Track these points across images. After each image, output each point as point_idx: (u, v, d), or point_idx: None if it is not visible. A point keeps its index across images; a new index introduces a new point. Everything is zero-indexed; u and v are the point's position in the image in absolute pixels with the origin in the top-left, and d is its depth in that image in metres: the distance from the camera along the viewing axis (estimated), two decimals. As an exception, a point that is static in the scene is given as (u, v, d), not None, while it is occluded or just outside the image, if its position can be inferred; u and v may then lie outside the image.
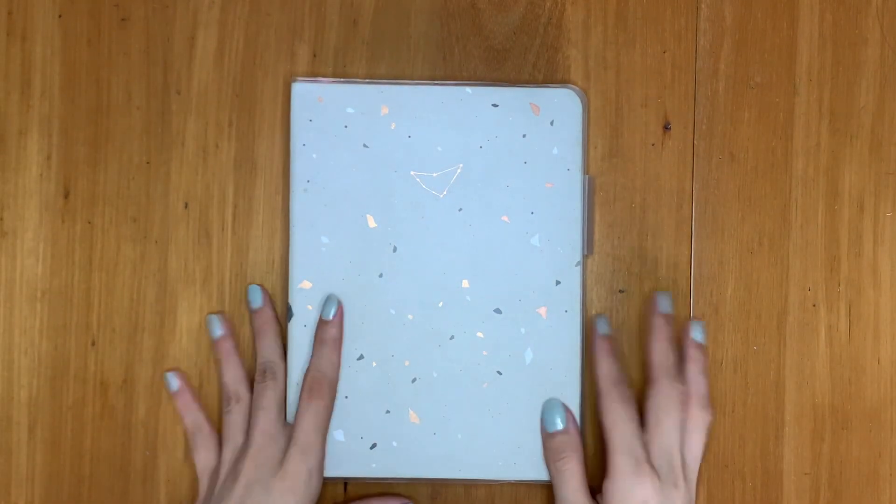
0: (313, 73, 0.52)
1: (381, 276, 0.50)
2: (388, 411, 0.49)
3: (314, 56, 0.52)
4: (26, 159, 0.51)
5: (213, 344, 0.51)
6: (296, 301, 0.50)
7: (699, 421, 0.47)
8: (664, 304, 0.49)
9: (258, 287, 0.50)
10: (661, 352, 0.48)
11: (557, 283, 0.49)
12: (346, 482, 0.51)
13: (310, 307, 0.50)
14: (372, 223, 0.50)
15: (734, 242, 0.51)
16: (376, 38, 0.52)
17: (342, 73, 0.52)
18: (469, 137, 0.50)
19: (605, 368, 0.48)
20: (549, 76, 0.51)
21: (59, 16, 0.52)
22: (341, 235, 0.50)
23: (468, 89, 0.50)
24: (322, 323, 0.49)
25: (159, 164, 0.52)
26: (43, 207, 0.51)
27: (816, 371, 0.51)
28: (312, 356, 0.49)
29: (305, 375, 0.48)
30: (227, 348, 0.50)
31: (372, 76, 0.51)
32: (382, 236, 0.50)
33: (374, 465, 0.49)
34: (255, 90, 0.52)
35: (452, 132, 0.50)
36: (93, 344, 0.51)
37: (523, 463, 0.49)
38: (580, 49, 0.51)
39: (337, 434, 0.49)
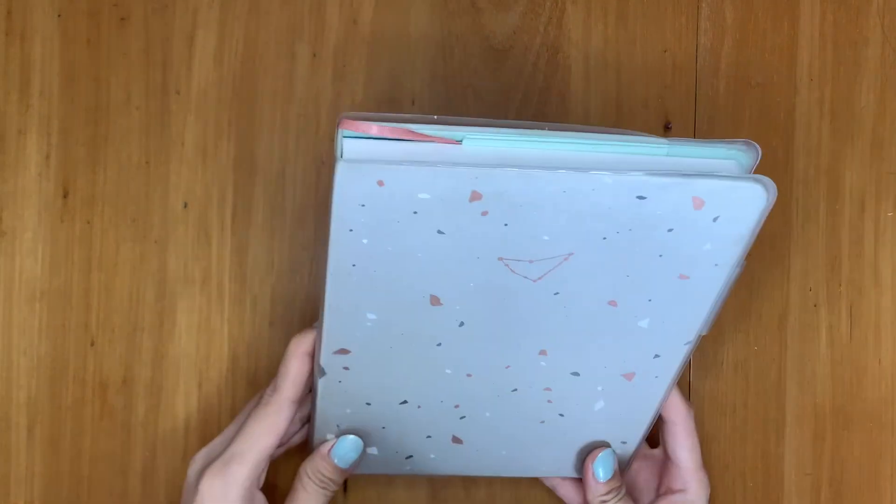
0: (313, 73, 0.51)
1: (439, 345, 0.40)
2: (429, 436, 0.44)
3: (314, 56, 0.52)
4: (25, 159, 0.51)
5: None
6: (330, 365, 0.42)
7: None
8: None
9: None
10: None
11: (656, 356, 0.41)
12: (346, 479, 0.51)
13: (346, 368, 0.41)
14: (436, 302, 0.39)
15: (735, 242, 0.51)
16: (376, 38, 0.52)
17: (342, 71, 0.51)
18: (591, 229, 0.36)
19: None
20: (549, 76, 0.51)
21: (59, 16, 0.52)
22: (393, 313, 0.39)
23: (607, 178, 0.34)
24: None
25: (158, 165, 0.51)
26: (42, 207, 0.51)
27: (817, 371, 0.51)
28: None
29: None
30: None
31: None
32: (448, 314, 0.39)
33: (407, 468, 0.46)
34: (255, 90, 0.52)
35: (569, 223, 0.36)
36: (92, 344, 0.51)
37: (555, 460, 0.47)
38: (580, 49, 0.51)
39: (371, 450, 0.45)
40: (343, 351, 0.41)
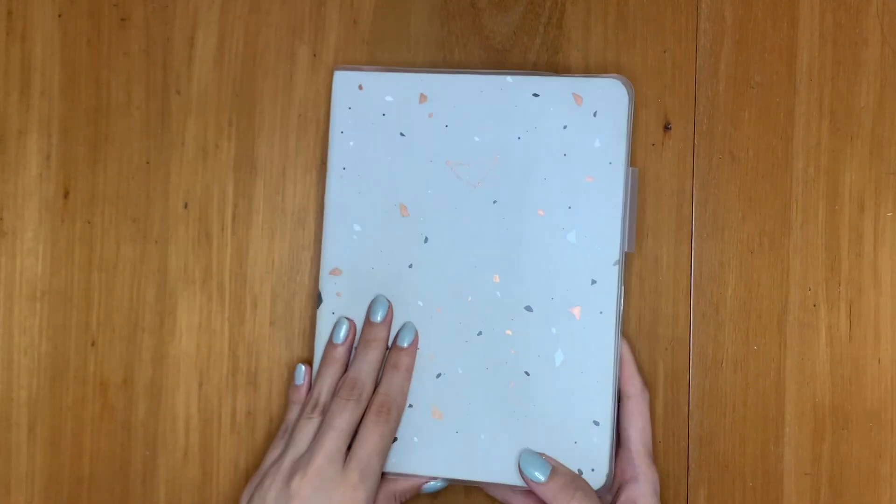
0: (313, 73, 0.52)
1: (410, 266, 0.49)
2: (410, 405, 0.48)
3: (314, 56, 0.52)
4: (26, 159, 0.51)
5: (328, 344, 0.49)
6: (325, 288, 0.49)
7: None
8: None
9: (386, 301, 0.49)
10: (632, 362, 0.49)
11: (593, 282, 0.48)
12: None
13: (339, 294, 0.49)
14: (405, 212, 0.49)
15: (734, 242, 0.51)
16: (376, 38, 0.52)
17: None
18: (507, 128, 0.48)
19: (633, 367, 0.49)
20: (549, 76, 0.51)
21: (59, 16, 0.52)
22: (373, 224, 0.49)
23: (509, 78, 0.48)
24: (397, 349, 0.48)
25: (159, 164, 0.52)
26: (42, 207, 0.51)
27: (817, 371, 0.51)
28: (384, 377, 0.48)
29: (374, 395, 0.47)
30: (338, 354, 0.49)
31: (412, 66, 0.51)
32: (414, 226, 0.49)
33: (393, 460, 0.48)
34: (255, 90, 0.52)
35: (490, 122, 0.48)
36: (92, 344, 0.51)
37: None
38: (580, 49, 0.51)
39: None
40: (336, 271, 0.49)
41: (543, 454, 0.47)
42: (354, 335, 0.49)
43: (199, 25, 0.52)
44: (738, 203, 0.51)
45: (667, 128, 0.51)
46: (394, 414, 0.47)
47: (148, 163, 0.51)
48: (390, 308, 0.49)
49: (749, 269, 0.51)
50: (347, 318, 0.49)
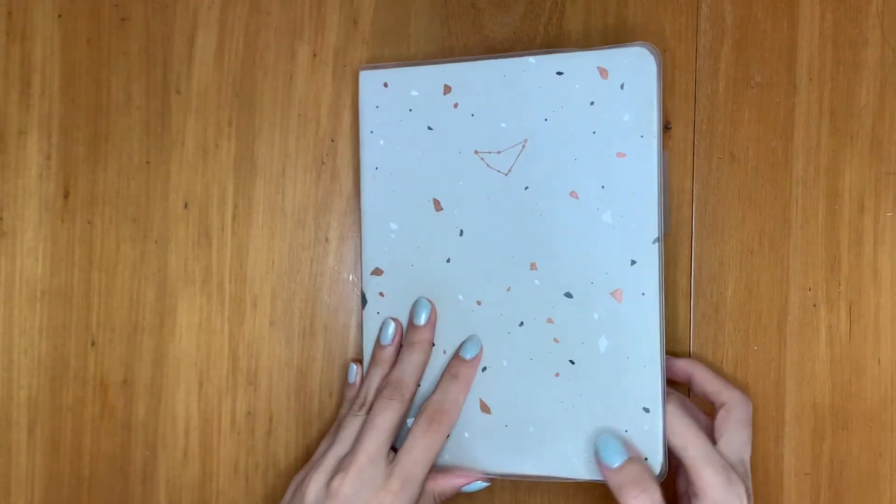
0: (313, 73, 0.52)
1: (448, 261, 0.48)
2: None
3: (314, 56, 0.52)
4: (26, 159, 0.51)
5: (376, 345, 0.49)
6: (369, 289, 0.49)
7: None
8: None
9: (428, 304, 0.48)
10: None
11: (633, 262, 0.46)
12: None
13: (382, 294, 0.49)
14: (438, 207, 0.48)
15: (734, 242, 0.51)
16: (376, 38, 0.52)
17: (342, 71, 0.52)
18: (533, 110, 0.47)
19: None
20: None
21: (59, 16, 0.52)
22: (409, 221, 0.49)
23: (531, 59, 0.47)
24: (459, 359, 0.48)
25: (159, 164, 0.52)
26: (42, 207, 0.51)
27: (817, 371, 0.51)
28: (440, 385, 0.47)
29: (427, 403, 0.47)
30: (386, 354, 0.49)
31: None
32: (449, 220, 0.48)
33: (446, 456, 0.48)
34: (255, 90, 0.52)
35: (516, 106, 0.47)
36: (92, 344, 0.51)
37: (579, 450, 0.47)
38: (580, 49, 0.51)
39: (409, 422, 0.48)
40: (377, 271, 0.49)
41: (625, 441, 0.45)
42: (402, 335, 0.49)
43: (199, 25, 0.52)
44: (738, 203, 0.51)
45: (667, 128, 0.51)
46: (445, 424, 0.46)
47: (148, 163, 0.52)
48: (433, 309, 0.49)
49: (749, 269, 0.51)
50: (394, 319, 0.49)
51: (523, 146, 0.48)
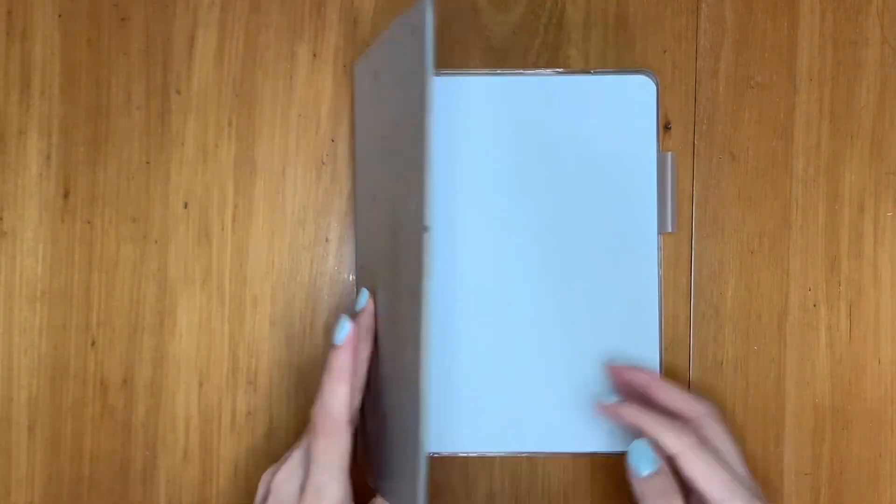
0: (313, 73, 0.52)
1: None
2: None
3: (314, 56, 0.52)
4: (26, 159, 0.51)
5: (332, 348, 0.44)
6: (360, 284, 0.50)
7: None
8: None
9: (348, 325, 0.44)
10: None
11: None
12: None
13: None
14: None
15: (734, 242, 0.51)
16: (376, 38, 0.52)
17: (342, 71, 0.52)
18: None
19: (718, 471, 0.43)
20: (549, 76, 0.51)
21: (59, 16, 0.52)
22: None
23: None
24: (332, 349, 0.43)
25: (159, 164, 0.51)
26: (42, 207, 0.51)
27: (817, 371, 0.51)
28: (321, 387, 0.43)
29: (315, 406, 0.43)
30: (340, 364, 0.43)
31: None
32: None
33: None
34: (255, 90, 0.52)
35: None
36: (92, 344, 0.51)
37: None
38: (580, 49, 0.51)
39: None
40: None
41: (657, 452, 0.44)
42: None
43: (199, 25, 0.52)
44: (738, 203, 0.51)
45: (667, 128, 0.51)
46: (330, 426, 0.43)
47: (148, 163, 0.51)
48: (353, 331, 0.43)
49: (749, 269, 0.51)
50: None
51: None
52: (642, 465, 0.44)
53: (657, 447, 0.44)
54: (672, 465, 0.44)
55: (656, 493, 0.43)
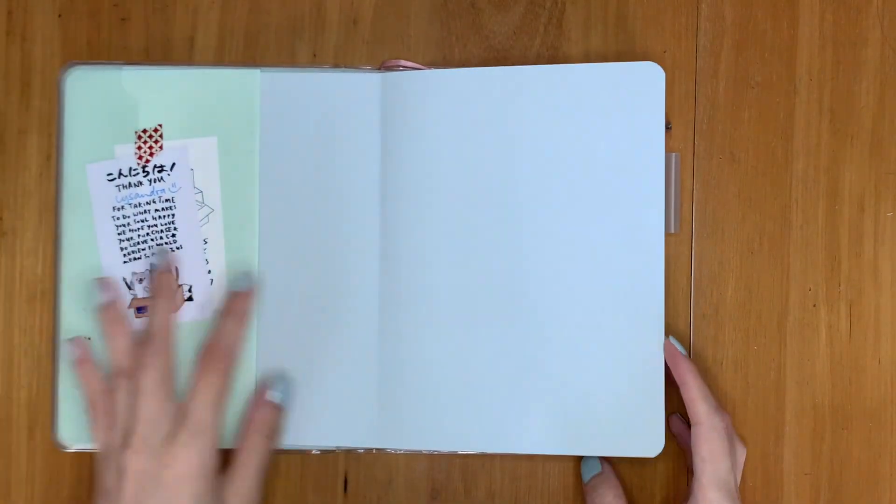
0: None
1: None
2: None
3: (314, 56, 0.52)
4: (26, 159, 0.51)
5: (98, 310, 0.47)
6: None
7: (740, 449, 0.47)
8: (680, 346, 0.48)
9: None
10: (701, 388, 0.46)
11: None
12: (346, 479, 0.51)
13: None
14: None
15: (734, 242, 0.51)
16: (376, 38, 0.52)
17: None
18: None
19: (702, 392, 0.46)
20: (549, 76, 0.51)
21: (59, 16, 0.52)
22: None
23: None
24: (231, 294, 0.47)
25: (159, 164, 0.51)
26: (43, 207, 0.51)
27: (817, 371, 0.51)
28: (214, 326, 0.46)
29: (203, 343, 0.45)
30: (113, 315, 0.47)
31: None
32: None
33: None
34: (254, 90, 0.52)
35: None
36: (93, 344, 0.51)
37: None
38: (580, 49, 0.51)
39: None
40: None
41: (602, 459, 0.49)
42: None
43: (199, 25, 0.51)
44: (738, 203, 0.51)
45: (667, 127, 0.51)
46: (225, 362, 0.44)
47: (148, 163, 0.51)
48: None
49: (749, 269, 0.51)
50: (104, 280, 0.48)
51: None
52: (587, 469, 0.49)
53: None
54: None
55: (597, 492, 0.48)
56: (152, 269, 0.47)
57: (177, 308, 0.47)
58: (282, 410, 0.47)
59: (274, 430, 0.47)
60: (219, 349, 0.45)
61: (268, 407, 0.47)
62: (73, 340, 0.48)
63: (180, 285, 0.47)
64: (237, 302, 0.46)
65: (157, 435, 0.43)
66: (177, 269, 0.47)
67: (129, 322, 0.47)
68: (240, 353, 0.46)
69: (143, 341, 0.45)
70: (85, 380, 0.47)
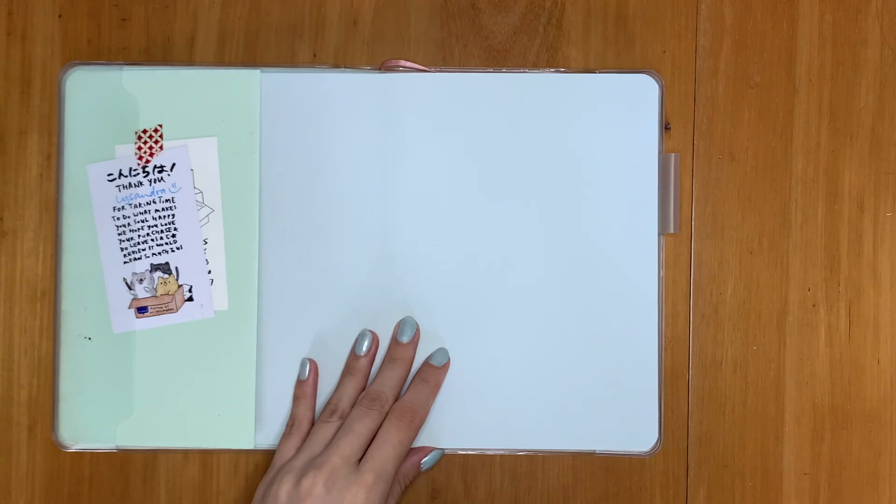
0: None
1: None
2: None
3: (314, 56, 0.52)
4: (26, 159, 0.51)
5: (352, 355, 0.50)
6: None
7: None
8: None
9: (414, 323, 0.50)
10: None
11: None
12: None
13: None
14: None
15: (734, 242, 0.51)
16: (376, 38, 0.52)
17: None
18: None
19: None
20: (549, 76, 0.51)
21: (59, 16, 0.52)
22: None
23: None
24: (428, 366, 0.50)
25: (159, 164, 0.51)
26: (43, 207, 0.51)
27: (816, 371, 0.51)
28: (410, 388, 0.49)
29: (399, 402, 0.48)
30: (360, 365, 0.49)
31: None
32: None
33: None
34: (255, 90, 0.52)
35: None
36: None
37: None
38: (580, 49, 0.51)
39: None
40: None
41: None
42: (377, 349, 0.50)
43: (199, 25, 0.52)
44: (737, 203, 0.51)
45: (666, 128, 0.51)
46: (416, 422, 0.47)
47: (148, 163, 0.51)
48: (418, 330, 0.50)
49: (749, 269, 0.51)
50: (371, 332, 0.50)
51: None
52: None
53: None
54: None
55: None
56: (398, 336, 0.50)
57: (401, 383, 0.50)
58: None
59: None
60: (416, 413, 0.48)
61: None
62: (311, 362, 0.50)
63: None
64: (433, 374, 0.49)
65: (346, 470, 0.45)
66: (417, 342, 0.50)
67: (366, 374, 0.50)
68: (426, 417, 0.49)
69: (369, 394, 0.48)
70: (302, 399, 0.49)
